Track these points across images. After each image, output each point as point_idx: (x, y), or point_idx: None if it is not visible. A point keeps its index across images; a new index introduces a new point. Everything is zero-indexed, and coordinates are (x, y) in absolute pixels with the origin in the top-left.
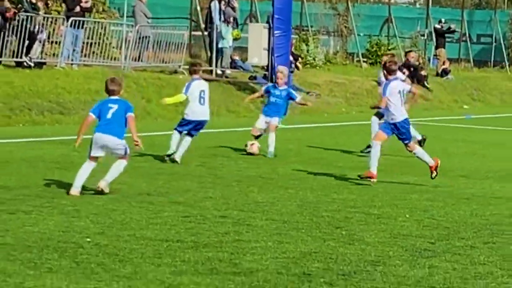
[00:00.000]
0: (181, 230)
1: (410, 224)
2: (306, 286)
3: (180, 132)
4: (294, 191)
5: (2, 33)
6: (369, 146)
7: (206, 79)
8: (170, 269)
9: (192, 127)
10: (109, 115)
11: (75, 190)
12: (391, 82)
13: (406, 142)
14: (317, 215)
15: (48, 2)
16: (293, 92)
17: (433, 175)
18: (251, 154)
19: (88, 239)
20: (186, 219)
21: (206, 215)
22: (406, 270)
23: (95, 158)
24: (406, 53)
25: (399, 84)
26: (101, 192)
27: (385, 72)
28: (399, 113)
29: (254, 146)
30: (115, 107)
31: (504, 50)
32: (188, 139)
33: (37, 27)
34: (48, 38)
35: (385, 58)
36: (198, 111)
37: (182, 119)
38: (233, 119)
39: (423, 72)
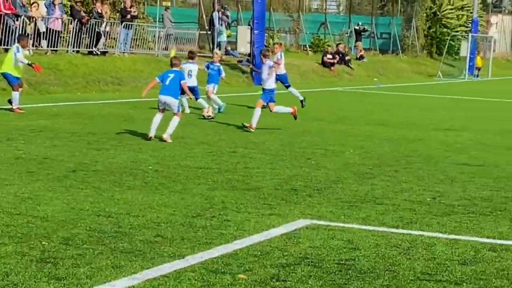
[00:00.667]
0: (208, 160)
1: (354, 157)
2: (294, 197)
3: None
4: (276, 135)
5: (79, 32)
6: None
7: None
8: (206, 187)
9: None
10: (167, 82)
11: (150, 135)
12: (266, 62)
13: (268, 102)
14: (294, 150)
15: (108, 11)
16: (222, 70)
17: (296, 119)
18: (208, 116)
19: (150, 167)
20: (210, 154)
21: (222, 151)
22: (356, 186)
23: (161, 110)
24: (337, 45)
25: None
26: (164, 141)
27: (261, 56)
28: (265, 83)
29: (209, 110)
30: (172, 75)
31: (398, 43)
32: (200, 101)
33: (102, 28)
34: (109, 35)
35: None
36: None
37: None
38: (227, 88)
39: (347, 57)
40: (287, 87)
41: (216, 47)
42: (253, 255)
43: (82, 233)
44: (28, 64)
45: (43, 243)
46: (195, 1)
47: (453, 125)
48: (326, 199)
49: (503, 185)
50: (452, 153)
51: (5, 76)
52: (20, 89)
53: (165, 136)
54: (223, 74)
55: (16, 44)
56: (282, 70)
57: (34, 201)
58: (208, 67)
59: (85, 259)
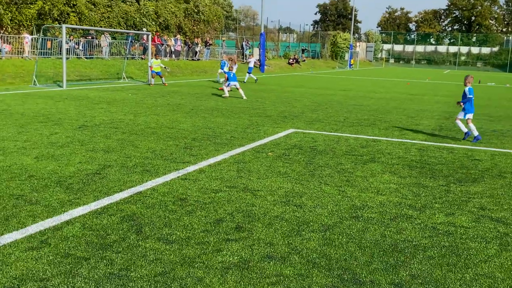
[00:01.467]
0: (247, 104)
1: (308, 102)
2: (285, 119)
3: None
4: (272, 93)
5: (189, 51)
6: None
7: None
8: (248, 115)
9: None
10: (231, 75)
11: (225, 95)
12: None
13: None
14: (282, 100)
15: (200, 42)
16: (227, 64)
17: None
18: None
19: (224, 108)
20: (248, 101)
21: (252, 100)
22: (311, 115)
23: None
24: (294, 55)
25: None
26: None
27: (229, 62)
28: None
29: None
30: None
31: (319, 54)
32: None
33: (197, 48)
34: (200, 53)
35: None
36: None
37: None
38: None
39: (299, 60)
40: (249, 73)
41: (244, 57)
42: (272, 144)
43: (200, 136)
44: (164, 67)
45: (184, 140)
46: (233, 37)
47: (346, 87)
48: (299, 120)
49: (372, 113)
50: (348, 100)
51: (153, 71)
52: (162, 77)
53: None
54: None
55: (153, 58)
56: (251, 65)
57: (178, 122)
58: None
59: (203, 147)
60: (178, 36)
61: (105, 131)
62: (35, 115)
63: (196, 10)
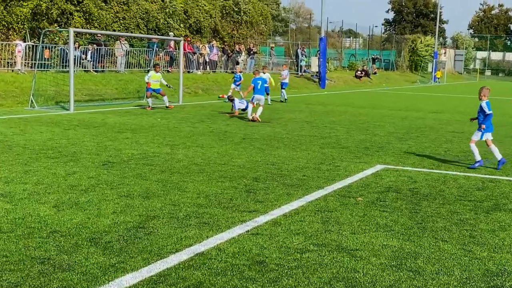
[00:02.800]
0: (313, 131)
1: (390, 128)
2: (368, 152)
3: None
4: (343, 117)
5: (227, 61)
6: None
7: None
8: (318, 147)
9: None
10: (259, 86)
11: (251, 116)
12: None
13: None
14: (357, 125)
15: (243, 50)
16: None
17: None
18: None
19: (284, 136)
20: (314, 127)
21: (319, 125)
22: (400, 145)
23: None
24: (363, 66)
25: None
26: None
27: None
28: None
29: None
30: (260, 82)
31: (394, 64)
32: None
33: (240, 59)
34: (243, 63)
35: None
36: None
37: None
38: (306, 90)
39: (369, 72)
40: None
41: (298, 69)
42: (360, 186)
43: (263, 174)
44: (166, 84)
45: (244, 180)
46: (281, 43)
47: (437, 108)
48: (386, 153)
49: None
50: (444, 125)
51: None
52: (164, 96)
53: (255, 116)
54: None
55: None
56: (285, 78)
57: (229, 156)
58: (235, 77)
59: (270, 190)
60: (214, 42)
61: (138, 169)
62: (41, 148)
63: (236, 9)
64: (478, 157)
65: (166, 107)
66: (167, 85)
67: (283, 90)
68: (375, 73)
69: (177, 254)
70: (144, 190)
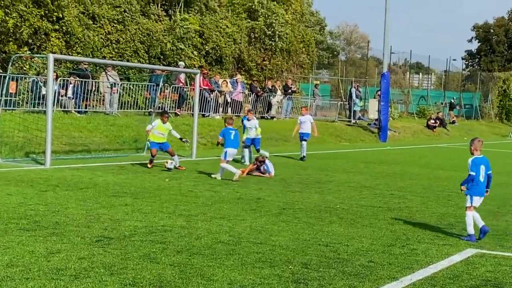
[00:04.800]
0: (377, 200)
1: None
2: (454, 230)
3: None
4: (416, 181)
5: (256, 102)
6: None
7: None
8: (386, 222)
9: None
10: (232, 137)
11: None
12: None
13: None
14: (434, 193)
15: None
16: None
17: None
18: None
19: (338, 206)
20: (376, 195)
21: (384, 193)
22: (495, 222)
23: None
24: (437, 113)
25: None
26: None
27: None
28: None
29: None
30: (233, 132)
31: (478, 111)
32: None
33: (273, 99)
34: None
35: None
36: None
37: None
38: (362, 144)
39: (445, 122)
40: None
41: (351, 115)
42: (448, 278)
43: (314, 259)
44: (180, 138)
45: (290, 267)
46: (327, 79)
47: None
48: (477, 232)
49: None
50: None
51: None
52: (174, 155)
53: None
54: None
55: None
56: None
57: (266, 233)
58: (242, 122)
59: (326, 280)
60: (239, 76)
61: (145, 248)
62: (11, 217)
63: (269, 33)
64: (471, 230)
65: (175, 167)
66: (181, 139)
67: (303, 143)
68: (453, 122)
69: None
70: (156, 277)
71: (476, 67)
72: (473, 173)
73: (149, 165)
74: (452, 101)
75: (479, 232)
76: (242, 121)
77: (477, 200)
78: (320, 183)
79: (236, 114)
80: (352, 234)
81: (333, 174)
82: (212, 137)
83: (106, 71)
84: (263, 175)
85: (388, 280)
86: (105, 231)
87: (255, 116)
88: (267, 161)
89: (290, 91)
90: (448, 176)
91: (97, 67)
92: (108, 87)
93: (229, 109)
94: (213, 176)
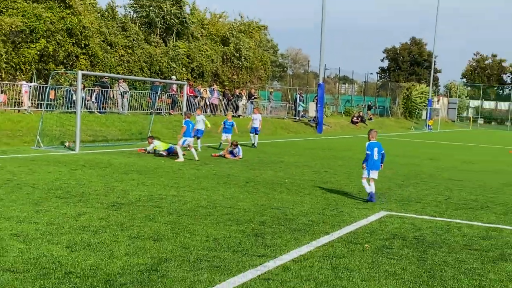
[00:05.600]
0: (314, 176)
1: (390, 175)
2: (374, 198)
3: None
4: (343, 163)
5: (227, 105)
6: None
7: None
8: (321, 191)
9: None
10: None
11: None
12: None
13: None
14: (356, 169)
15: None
16: (235, 124)
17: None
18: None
19: (286, 181)
20: (314, 172)
21: (319, 170)
22: (401, 192)
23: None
24: (359, 112)
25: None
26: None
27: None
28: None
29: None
30: (191, 124)
31: (389, 111)
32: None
33: (240, 103)
34: (244, 107)
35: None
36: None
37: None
38: (303, 135)
39: (364, 118)
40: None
41: (296, 113)
42: (366, 232)
43: (268, 219)
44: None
45: (251, 224)
46: (279, 88)
47: (433, 155)
48: (388, 199)
49: (480, 192)
50: (441, 172)
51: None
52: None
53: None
54: (235, 127)
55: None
56: (256, 124)
57: (234, 200)
58: (225, 123)
59: (277, 234)
60: (215, 86)
61: (147, 211)
62: (50, 188)
63: (237, 55)
64: (368, 190)
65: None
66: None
67: (256, 136)
68: (370, 119)
69: None
70: (154, 232)
71: (387, 79)
72: (368, 153)
73: (142, 151)
74: (370, 103)
75: (368, 196)
76: (224, 122)
77: (374, 173)
78: (273, 163)
79: (213, 114)
80: (296, 200)
81: (283, 157)
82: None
83: (119, 83)
84: (234, 157)
85: (322, 234)
86: (118, 198)
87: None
88: (239, 147)
89: (253, 97)
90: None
91: (113, 80)
92: (120, 94)
93: (208, 110)
94: (176, 160)
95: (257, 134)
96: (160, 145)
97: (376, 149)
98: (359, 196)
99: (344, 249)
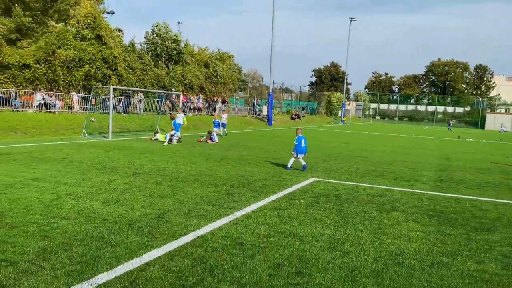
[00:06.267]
0: (261, 154)
1: (318, 154)
2: (307, 169)
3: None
4: (286, 146)
5: (208, 107)
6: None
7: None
8: (271, 166)
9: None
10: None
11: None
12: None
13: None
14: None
15: (220, 101)
16: (220, 122)
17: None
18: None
19: (248, 158)
20: (262, 152)
21: (266, 152)
22: (325, 164)
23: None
24: (295, 111)
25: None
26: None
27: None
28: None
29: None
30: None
31: (316, 111)
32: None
33: (217, 106)
34: (220, 109)
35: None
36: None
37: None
38: (257, 127)
39: (300, 115)
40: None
41: (254, 113)
42: (301, 192)
43: (236, 183)
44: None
45: (224, 187)
46: (242, 96)
47: (346, 140)
48: (316, 170)
49: (378, 165)
50: (352, 152)
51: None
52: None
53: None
54: (222, 124)
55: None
56: (224, 120)
57: (213, 171)
58: (214, 122)
59: (242, 194)
60: (200, 95)
61: (156, 178)
62: (92, 163)
63: (215, 74)
64: (289, 165)
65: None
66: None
67: (224, 129)
68: (304, 116)
69: (185, 236)
70: (161, 192)
71: (314, 89)
72: (296, 143)
73: (148, 139)
74: (303, 106)
75: (302, 167)
76: (214, 121)
77: (301, 156)
78: (239, 147)
79: (199, 114)
80: (255, 171)
81: (246, 142)
82: (189, 124)
83: (137, 94)
84: (212, 142)
85: (272, 194)
86: (136, 170)
87: (214, 114)
88: (215, 134)
89: (226, 102)
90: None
91: (133, 92)
92: (138, 101)
93: (196, 111)
94: (164, 144)
95: (224, 127)
96: (160, 137)
97: (303, 141)
98: (296, 168)
99: (286, 204)
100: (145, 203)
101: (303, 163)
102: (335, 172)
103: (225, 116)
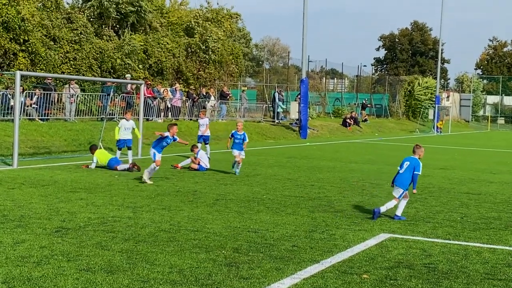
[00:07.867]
0: (299, 191)
1: (386, 191)
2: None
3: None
4: (332, 173)
5: (192, 107)
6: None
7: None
8: (307, 210)
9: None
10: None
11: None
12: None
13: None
14: (349, 181)
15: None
16: (246, 136)
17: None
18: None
19: (264, 197)
20: (297, 186)
21: (305, 184)
22: (406, 209)
23: None
24: (351, 112)
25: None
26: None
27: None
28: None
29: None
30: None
31: (388, 110)
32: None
33: (208, 104)
34: (213, 109)
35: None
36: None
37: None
38: (284, 141)
39: (358, 120)
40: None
41: (275, 115)
42: (364, 260)
43: (244, 244)
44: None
45: (223, 252)
46: (253, 85)
47: (445, 164)
48: (389, 218)
49: (503, 208)
50: (456, 185)
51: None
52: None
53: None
54: (247, 140)
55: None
56: (206, 131)
57: (202, 221)
58: (233, 136)
59: (255, 264)
60: (177, 85)
61: (97, 237)
62: None
63: (203, 47)
64: (398, 212)
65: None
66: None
67: (206, 146)
68: (365, 120)
69: None
70: (107, 262)
71: (384, 71)
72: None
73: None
74: (364, 102)
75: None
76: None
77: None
78: (249, 177)
79: (175, 118)
80: (277, 221)
81: (260, 168)
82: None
83: (70, 84)
84: (199, 168)
85: (310, 263)
86: (63, 222)
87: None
88: (204, 154)
89: (227, 97)
90: (361, 168)
91: (57, 81)
92: (68, 97)
93: (169, 114)
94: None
95: (206, 144)
96: (100, 160)
97: (407, 164)
98: (354, 215)
99: (337, 281)
100: (80, 284)
101: (391, 205)
102: (424, 222)
103: (204, 122)
